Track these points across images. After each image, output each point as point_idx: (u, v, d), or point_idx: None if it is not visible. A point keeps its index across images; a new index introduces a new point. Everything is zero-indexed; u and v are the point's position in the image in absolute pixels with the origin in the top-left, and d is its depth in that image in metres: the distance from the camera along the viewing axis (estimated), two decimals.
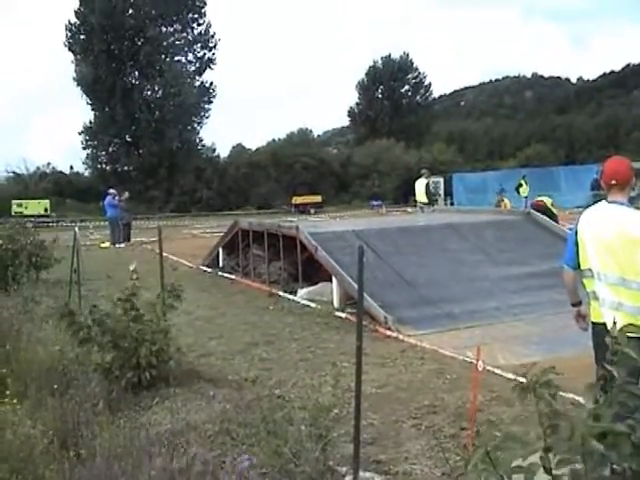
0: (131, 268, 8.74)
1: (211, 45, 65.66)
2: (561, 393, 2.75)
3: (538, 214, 18.68)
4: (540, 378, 2.54)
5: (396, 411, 7.37)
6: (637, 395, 2.36)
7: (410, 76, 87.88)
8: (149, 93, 63.32)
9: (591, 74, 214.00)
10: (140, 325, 8.19)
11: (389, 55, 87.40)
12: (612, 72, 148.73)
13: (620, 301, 5.34)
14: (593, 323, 5.67)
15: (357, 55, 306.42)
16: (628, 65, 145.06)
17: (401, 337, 10.85)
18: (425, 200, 26.16)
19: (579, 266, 5.74)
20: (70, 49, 61.76)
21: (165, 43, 63.43)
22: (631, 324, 2.57)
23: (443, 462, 5.85)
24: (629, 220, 5.36)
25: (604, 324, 5.45)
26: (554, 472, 2.33)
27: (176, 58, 64.56)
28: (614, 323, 2.65)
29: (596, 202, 5.91)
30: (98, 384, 7.89)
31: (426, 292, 13.23)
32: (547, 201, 24.80)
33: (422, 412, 7.30)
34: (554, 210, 24.08)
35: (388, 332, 11.12)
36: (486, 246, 15.70)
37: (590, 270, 5.60)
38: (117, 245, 29.48)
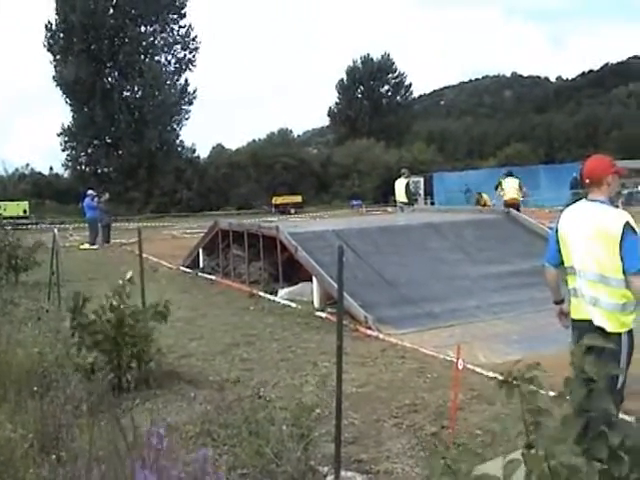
0: (127, 276, 8.68)
1: (192, 47, 65.57)
2: (541, 391, 2.78)
3: (518, 213, 18.80)
4: (524, 374, 2.55)
5: (377, 410, 7.37)
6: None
7: (390, 76, 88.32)
8: (129, 94, 63.08)
9: (570, 73, 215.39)
10: (122, 328, 8.16)
11: (369, 55, 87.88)
12: (591, 71, 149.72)
13: (598, 297, 5.38)
14: (573, 320, 5.71)
15: (337, 55, 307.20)
16: (607, 64, 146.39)
17: (381, 336, 10.86)
18: (405, 200, 26.21)
19: (561, 264, 5.78)
20: (49, 49, 61.54)
21: (145, 43, 63.32)
22: None
23: (424, 461, 5.86)
24: (607, 218, 5.40)
25: (584, 321, 5.49)
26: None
27: (156, 58, 64.41)
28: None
29: (575, 201, 5.95)
30: (78, 386, 7.85)
31: (406, 291, 13.25)
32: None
33: (403, 411, 7.31)
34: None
35: (369, 331, 11.13)
36: (466, 245, 15.74)
37: (571, 267, 5.64)
38: (93, 246, 29.33)
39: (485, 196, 34.28)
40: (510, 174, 26.19)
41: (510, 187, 24.92)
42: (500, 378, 2.71)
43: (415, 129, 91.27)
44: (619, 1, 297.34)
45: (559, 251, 5.77)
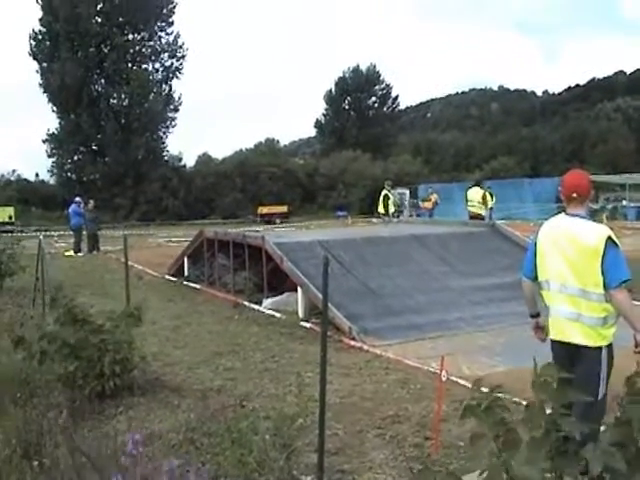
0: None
1: (179, 55, 65.59)
2: (524, 402, 2.82)
3: (503, 226, 18.84)
4: (489, 397, 2.54)
5: (360, 421, 7.38)
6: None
7: (377, 88, 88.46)
8: (115, 101, 63.01)
9: (556, 87, 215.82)
10: (102, 335, 8.13)
11: (357, 67, 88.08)
12: (577, 86, 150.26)
13: (580, 312, 5.40)
14: (552, 340, 5.71)
15: (325, 66, 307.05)
16: (593, 79, 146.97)
17: (366, 347, 10.87)
18: (382, 211, 26.34)
19: (537, 278, 5.79)
20: (35, 58, 61.43)
21: (132, 51, 63.30)
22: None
23: (407, 472, 5.87)
24: (589, 232, 5.41)
25: (563, 341, 5.51)
26: None
27: (143, 66, 64.39)
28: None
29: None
30: (61, 393, 7.84)
31: (391, 303, 13.27)
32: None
33: (386, 422, 7.32)
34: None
35: (352, 342, 11.15)
36: (451, 257, 15.77)
37: (548, 282, 5.64)
38: (78, 254, 29.21)
39: (435, 195, 35.29)
40: (477, 184, 25.29)
41: (473, 200, 24.48)
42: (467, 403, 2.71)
43: (402, 141, 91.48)
44: (606, 17, 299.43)
45: (536, 265, 5.78)
